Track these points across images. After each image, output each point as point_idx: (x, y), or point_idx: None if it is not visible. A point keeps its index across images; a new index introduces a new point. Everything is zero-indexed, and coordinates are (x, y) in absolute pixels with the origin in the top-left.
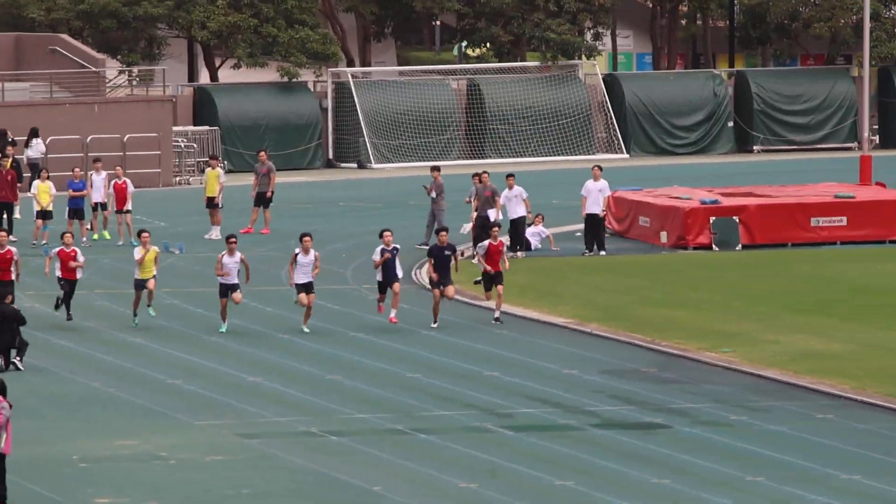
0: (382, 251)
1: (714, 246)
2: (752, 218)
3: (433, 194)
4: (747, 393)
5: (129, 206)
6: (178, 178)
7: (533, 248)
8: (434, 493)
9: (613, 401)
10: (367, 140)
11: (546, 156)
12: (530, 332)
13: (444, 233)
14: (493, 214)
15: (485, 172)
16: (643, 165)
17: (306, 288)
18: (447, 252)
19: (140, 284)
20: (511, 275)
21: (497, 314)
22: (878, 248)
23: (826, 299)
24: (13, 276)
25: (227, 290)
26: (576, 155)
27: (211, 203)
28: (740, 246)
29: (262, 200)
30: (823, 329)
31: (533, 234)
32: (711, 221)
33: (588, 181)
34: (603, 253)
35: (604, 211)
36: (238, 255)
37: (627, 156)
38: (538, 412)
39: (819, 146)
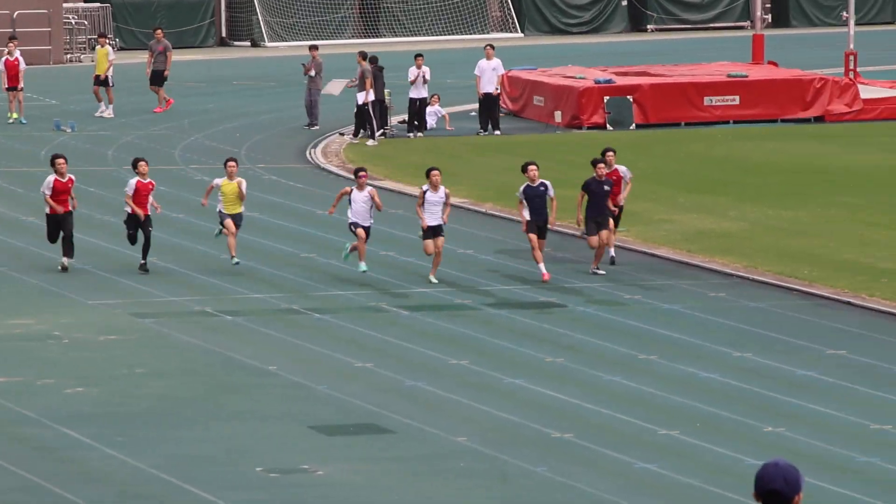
0: (527, 189)
1: (608, 125)
2: (646, 97)
3: (311, 73)
4: (641, 272)
5: (21, 83)
6: (69, 56)
7: (429, 127)
8: (329, 372)
9: (508, 280)
10: (260, 18)
11: (440, 35)
12: None
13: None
14: (362, 98)
15: (370, 59)
16: (537, 45)
17: (434, 231)
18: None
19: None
20: (407, 155)
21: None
22: (771, 126)
23: (719, 178)
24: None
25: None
26: (470, 34)
27: (99, 81)
28: (634, 125)
29: (158, 79)
30: (716, 208)
31: (429, 113)
32: (605, 101)
33: (481, 60)
34: (498, 132)
35: (498, 90)
36: (367, 190)
37: (522, 35)
38: (433, 292)
39: (712, 25)
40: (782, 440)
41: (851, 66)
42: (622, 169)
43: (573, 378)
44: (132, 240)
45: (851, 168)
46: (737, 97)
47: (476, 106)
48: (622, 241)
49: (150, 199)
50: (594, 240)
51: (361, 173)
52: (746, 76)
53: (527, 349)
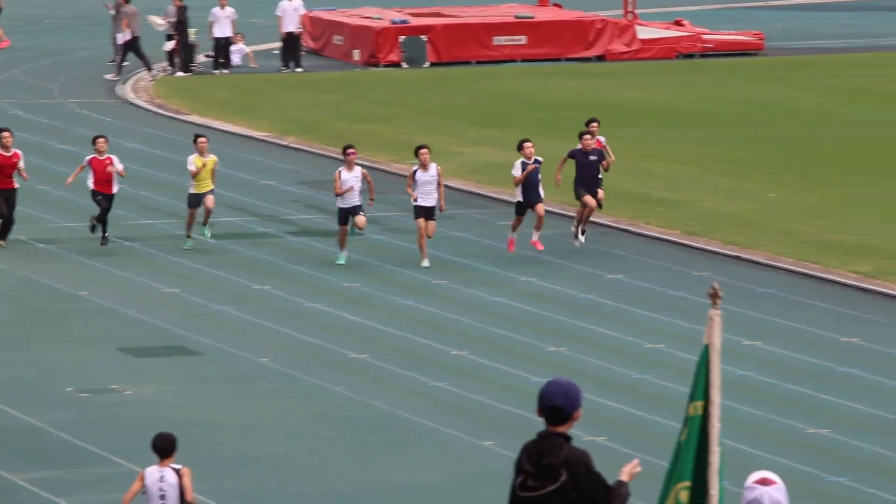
0: (524, 165)
1: (403, 63)
2: (439, 37)
3: (112, 11)
4: None
5: None
6: None
7: (233, 64)
8: (139, 297)
9: (309, 210)
10: None
11: None
12: (231, 145)
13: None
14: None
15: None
16: None
17: (427, 213)
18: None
19: (196, 200)
20: (212, 91)
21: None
22: (555, 65)
23: (507, 113)
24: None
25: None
26: None
27: None
28: (428, 63)
29: None
30: (504, 142)
31: (233, 51)
32: (401, 40)
33: (283, 1)
34: (300, 70)
35: (300, 29)
36: (358, 169)
37: None
38: (238, 220)
39: None
40: (564, 359)
41: (630, 8)
42: (602, 140)
43: (369, 302)
44: None
45: (629, 104)
46: (524, 37)
47: (279, 44)
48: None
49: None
50: (589, 199)
51: (350, 150)
52: (533, 17)
53: (326, 275)
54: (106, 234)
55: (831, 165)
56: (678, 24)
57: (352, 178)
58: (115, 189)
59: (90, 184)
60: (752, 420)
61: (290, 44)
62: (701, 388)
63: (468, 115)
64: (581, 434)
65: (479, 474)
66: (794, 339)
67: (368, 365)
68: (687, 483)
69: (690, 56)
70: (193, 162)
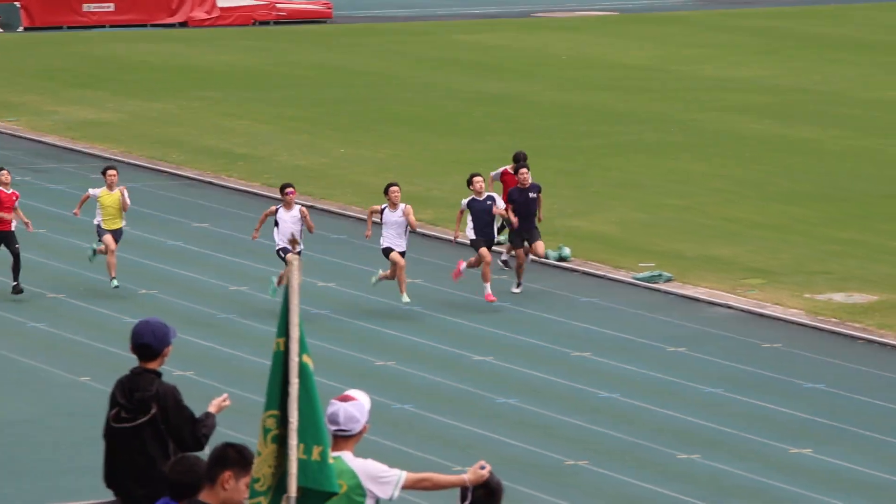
0: (472, 203)
1: None
2: (32, 4)
3: None
4: (31, 157)
5: None
6: None
7: None
8: None
9: None
10: None
11: None
12: None
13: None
14: None
15: None
16: None
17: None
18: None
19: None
20: None
21: None
22: (141, 30)
23: (99, 75)
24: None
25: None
26: None
27: None
28: (22, 28)
29: None
30: (96, 101)
31: None
32: None
33: None
34: None
35: None
36: (297, 209)
37: None
38: None
39: None
40: (155, 301)
41: None
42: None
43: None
44: None
45: (211, 67)
46: (111, 5)
47: None
48: (13, 129)
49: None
50: (521, 252)
51: (289, 189)
52: None
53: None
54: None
55: (397, 124)
56: None
57: (289, 217)
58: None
59: None
60: (325, 354)
61: None
62: (282, 326)
63: (62, 77)
64: (172, 370)
65: (74, 407)
66: (364, 280)
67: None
68: (274, 412)
69: (266, 23)
70: (98, 195)
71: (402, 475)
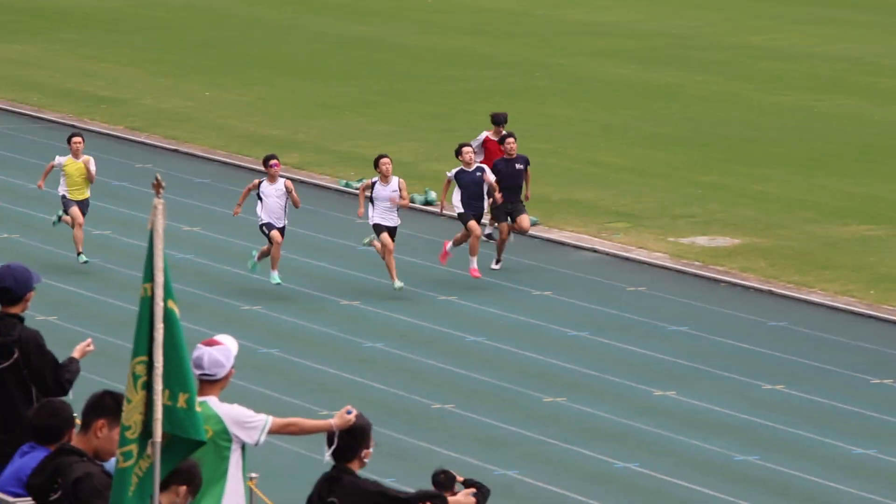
0: (460, 174)
1: None
2: None
3: None
4: None
5: None
6: None
7: None
8: None
9: None
10: None
11: None
12: None
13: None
14: None
15: None
16: None
17: (390, 231)
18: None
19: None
20: None
21: None
22: None
23: None
24: None
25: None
26: None
27: None
28: None
29: None
30: None
31: None
32: None
33: None
34: None
35: None
36: (282, 182)
37: None
38: None
39: None
40: (14, 244)
41: None
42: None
43: None
44: None
45: (71, 8)
46: None
47: None
48: None
49: None
50: (504, 227)
51: (273, 161)
52: None
53: None
54: None
55: (262, 67)
56: None
57: (273, 191)
58: None
59: None
60: (191, 299)
61: None
62: (148, 271)
63: None
64: (35, 314)
65: None
66: (229, 224)
67: None
68: (143, 358)
69: None
70: (63, 163)
71: (268, 420)
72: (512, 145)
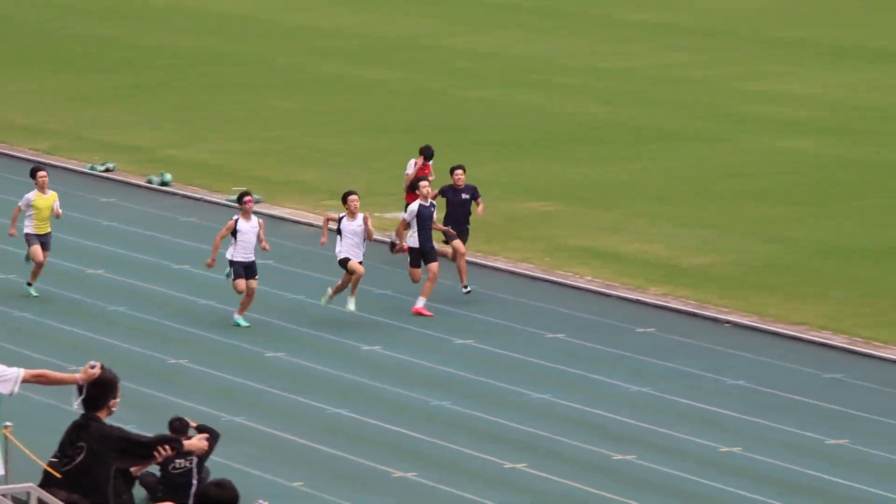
0: (421, 208)
1: None
2: None
3: None
4: None
5: None
6: None
7: None
8: None
9: None
10: None
11: None
12: None
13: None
14: None
15: None
16: None
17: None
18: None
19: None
20: None
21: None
22: None
23: None
24: None
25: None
26: None
27: None
28: None
29: None
30: None
31: None
32: None
33: None
34: None
35: None
36: (255, 219)
37: None
38: None
39: None
40: None
41: None
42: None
43: None
44: None
45: None
46: None
47: None
48: None
49: None
50: (450, 251)
51: (247, 198)
52: None
53: None
54: None
55: (20, 63)
56: None
57: (249, 228)
58: None
59: None
60: None
61: None
62: None
63: None
64: None
65: None
66: None
67: None
68: None
69: None
70: (33, 199)
71: (20, 372)
72: (460, 176)
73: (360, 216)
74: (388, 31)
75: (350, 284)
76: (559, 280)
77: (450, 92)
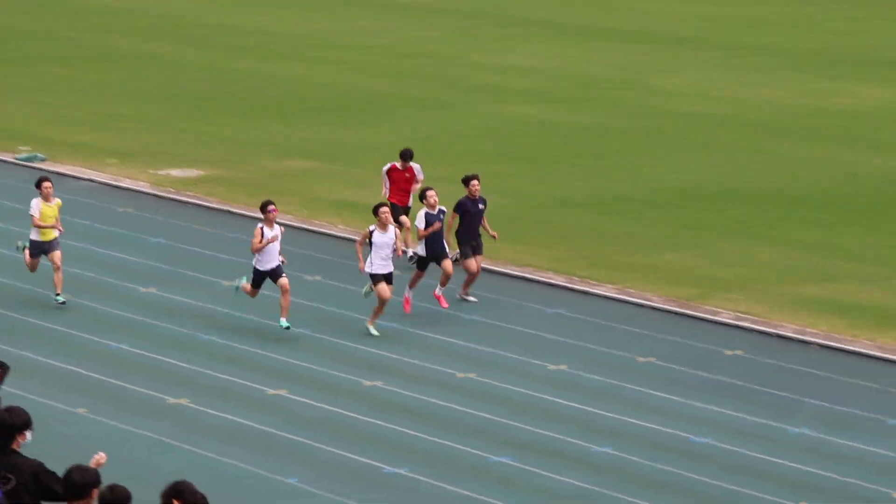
0: (428, 216)
1: None
2: None
3: None
4: None
5: None
6: None
7: None
8: None
9: None
10: None
11: None
12: None
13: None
14: None
15: None
16: None
17: (387, 278)
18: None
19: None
20: None
21: None
22: None
23: None
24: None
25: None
26: None
27: None
28: None
29: None
30: None
31: None
32: None
33: None
34: None
35: None
36: (278, 228)
37: None
38: None
39: None
40: None
41: None
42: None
43: None
44: None
45: None
46: None
47: None
48: None
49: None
50: (472, 263)
51: (270, 206)
52: None
53: None
54: None
55: None
56: None
57: (272, 235)
58: None
59: None
60: None
61: None
62: None
63: None
64: None
65: None
66: None
67: None
68: None
69: None
70: (38, 208)
71: None
72: (476, 187)
73: (391, 229)
74: (174, 8)
75: (376, 308)
76: (316, 229)
77: (224, 64)
